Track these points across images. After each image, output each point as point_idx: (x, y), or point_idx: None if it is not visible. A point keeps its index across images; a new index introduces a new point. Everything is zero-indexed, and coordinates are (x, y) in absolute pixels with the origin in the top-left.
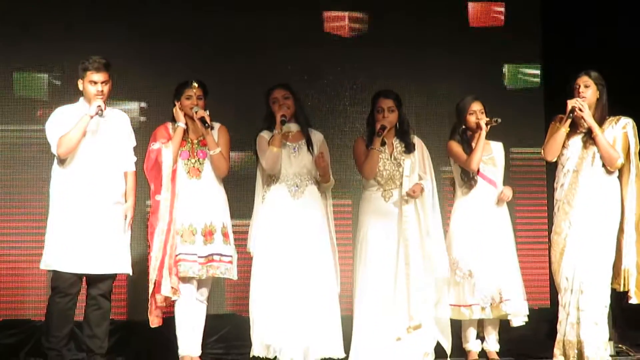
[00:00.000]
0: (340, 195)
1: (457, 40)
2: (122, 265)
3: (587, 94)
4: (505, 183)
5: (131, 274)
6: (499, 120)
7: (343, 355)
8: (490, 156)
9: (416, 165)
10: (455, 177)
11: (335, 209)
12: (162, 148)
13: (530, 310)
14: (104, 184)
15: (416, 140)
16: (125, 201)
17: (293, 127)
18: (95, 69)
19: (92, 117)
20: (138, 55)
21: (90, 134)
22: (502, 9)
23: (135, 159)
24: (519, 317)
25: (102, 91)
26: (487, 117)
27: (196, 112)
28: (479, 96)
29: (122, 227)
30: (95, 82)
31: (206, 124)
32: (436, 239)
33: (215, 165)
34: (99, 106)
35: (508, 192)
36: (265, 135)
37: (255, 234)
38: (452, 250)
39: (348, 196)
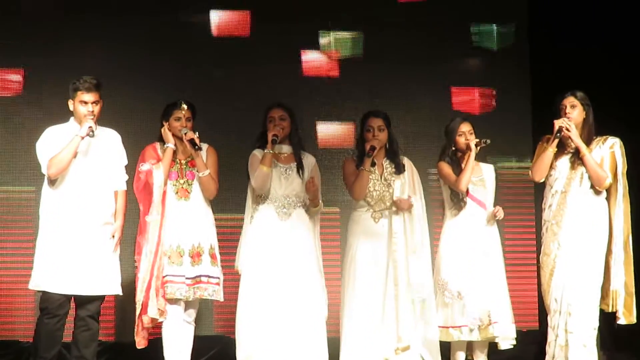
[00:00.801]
0: (329, 217)
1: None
2: (111, 286)
3: (573, 115)
4: (495, 204)
5: (121, 294)
6: (488, 141)
7: None
8: (480, 177)
9: (406, 186)
10: (445, 199)
11: (323, 229)
12: (153, 169)
13: (518, 332)
14: (94, 204)
15: (406, 161)
16: (115, 221)
17: (286, 148)
18: (86, 89)
19: (83, 137)
20: (123, 75)
21: (82, 153)
22: None
23: (126, 177)
24: (506, 340)
25: (92, 111)
26: (476, 138)
27: (185, 134)
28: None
29: (112, 248)
30: (86, 102)
31: (196, 146)
32: (422, 258)
33: (204, 187)
34: (90, 127)
35: (501, 212)
36: (257, 153)
37: (243, 252)
38: (441, 271)
39: (336, 217)
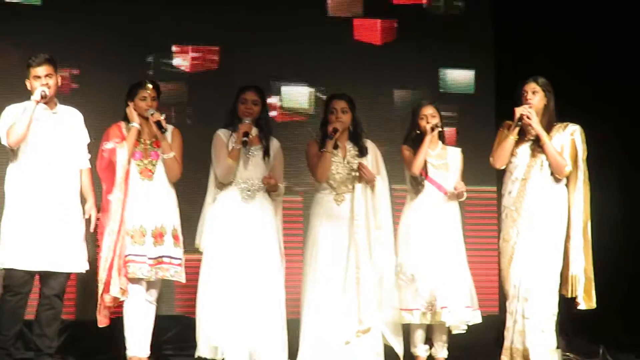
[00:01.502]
0: (292, 199)
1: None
2: (78, 263)
3: (534, 101)
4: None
5: (87, 270)
6: (439, 124)
7: (286, 359)
8: (443, 162)
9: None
10: (406, 182)
11: (286, 211)
12: (117, 147)
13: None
14: (58, 180)
15: (369, 144)
16: (83, 200)
17: (254, 131)
18: (37, 63)
19: (37, 102)
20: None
21: (42, 130)
22: None
23: (89, 156)
24: (457, 326)
25: (47, 84)
26: (439, 121)
27: (152, 115)
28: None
29: (78, 224)
30: (39, 77)
31: (162, 128)
32: (384, 237)
33: (168, 168)
34: (43, 90)
35: (460, 186)
36: (222, 134)
37: (205, 231)
38: (398, 254)
39: (298, 198)
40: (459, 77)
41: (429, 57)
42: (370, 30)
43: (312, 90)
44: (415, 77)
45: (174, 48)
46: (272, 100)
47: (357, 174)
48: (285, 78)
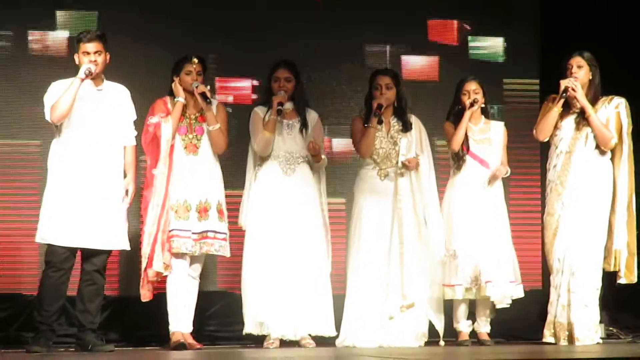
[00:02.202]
0: (334, 176)
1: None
2: (119, 241)
3: (579, 75)
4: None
5: (128, 249)
6: (477, 100)
7: (334, 333)
8: (486, 136)
9: (413, 144)
10: (449, 157)
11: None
12: (162, 122)
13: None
14: (103, 157)
15: (413, 119)
16: (125, 176)
17: (289, 104)
18: (88, 39)
19: (82, 79)
20: (132, 31)
21: (87, 107)
22: None
23: (135, 133)
24: (502, 300)
25: (95, 60)
26: (483, 97)
27: (197, 87)
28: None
29: (120, 202)
30: (88, 53)
31: (207, 99)
32: (432, 218)
33: (213, 140)
34: (88, 68)
35: (502, 170)
36: (259, 111)
37: (247, 209)
38: None
39: (341, 174)
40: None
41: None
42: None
43: None
44: None
45: None
46: None
47: (401, 149)
48: None
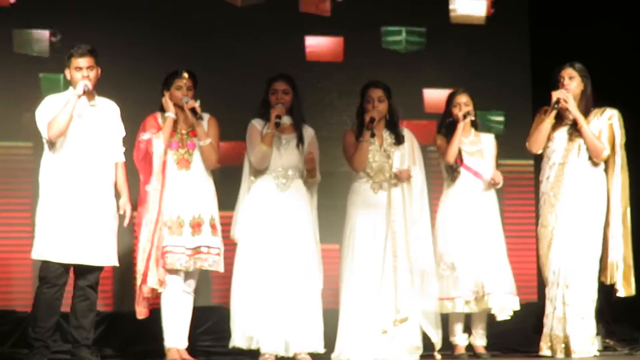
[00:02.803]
0: (327, 188)
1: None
2: (109, 257)
3: (571, 86)
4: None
5: (117, 265)
6: (470, 112)
7: (322, 350)
8: (478, 148)
9: (406, 157)
10: (442, 170)
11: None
12: (153, 138)
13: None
14: (93, 173)
15: (406, 132)
16: (117, 194)
17: (286, 119)
18: (80, 54)
19: (79, 96)
20: (123, 44)
21: (80, 122)
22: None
23: (124, 149)
24: (503, 311)
25: (87, 76)
26: (474, 110)
27: (187, 103)
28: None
29: (111, 219)
30: (81, 68)
31: (197, 115)
32: (421, 229)
33: (205, 156)
34: (86, 84)
35: (498, 177)
36: (256, 124)
37: (240, 221)
38: (437, 243)
39: (334, 188)
40: None
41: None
42: None
43: None
44: None
45: None
46: None
47: (394, 162)
48: None
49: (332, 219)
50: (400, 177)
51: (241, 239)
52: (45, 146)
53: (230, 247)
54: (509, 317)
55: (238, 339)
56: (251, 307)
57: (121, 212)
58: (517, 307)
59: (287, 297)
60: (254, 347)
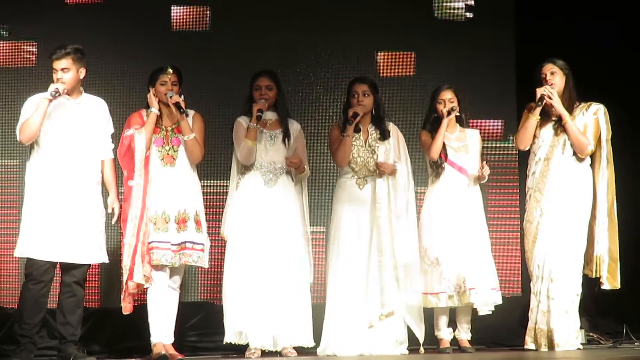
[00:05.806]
0: (313, 184)
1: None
2: (98, 254)
3: (554, 81)
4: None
5: (107, 262)
6: (455, 108)
7: (312, 344)
8: (463, 144)
9: (391, 152)
10: (427, 165)
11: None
12: (135, 134)
13: (502, 298)
14: (80, 171)
15: (391, 127)
16: (104, 191)
17: (271, 115)
18: (57, 56)
19: (50, 100)
20: (110, 41)
21: (65, 121)
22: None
23: (112, 146)
24: (485, 306)
25: (61, 78)
26: (458, 106)
27: (171, 97)
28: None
29: (97, 216)
30: (56, 70)
31: (181, 110)
32: (406, 224)
33: (189, 151)
34: (56, 88)
35: (486, 171)
36: (242, 121)
37: (229, 218)
38: (421, 239)
39: (321, 184)
40: None
41: None
42: None
43: None
44: None
45: None
46: None
47: (378, 157)
48: None
49: (318, 214)
50: (382, 169)
51: (231, 235)
52: (33, 144)
53: (215, 242)
54: (490, 312)
55: (229, 335)
56: (240, 303)
57: (109, 210)
58: (500, 302)
59: (275, 291)
60: (243, 342)
